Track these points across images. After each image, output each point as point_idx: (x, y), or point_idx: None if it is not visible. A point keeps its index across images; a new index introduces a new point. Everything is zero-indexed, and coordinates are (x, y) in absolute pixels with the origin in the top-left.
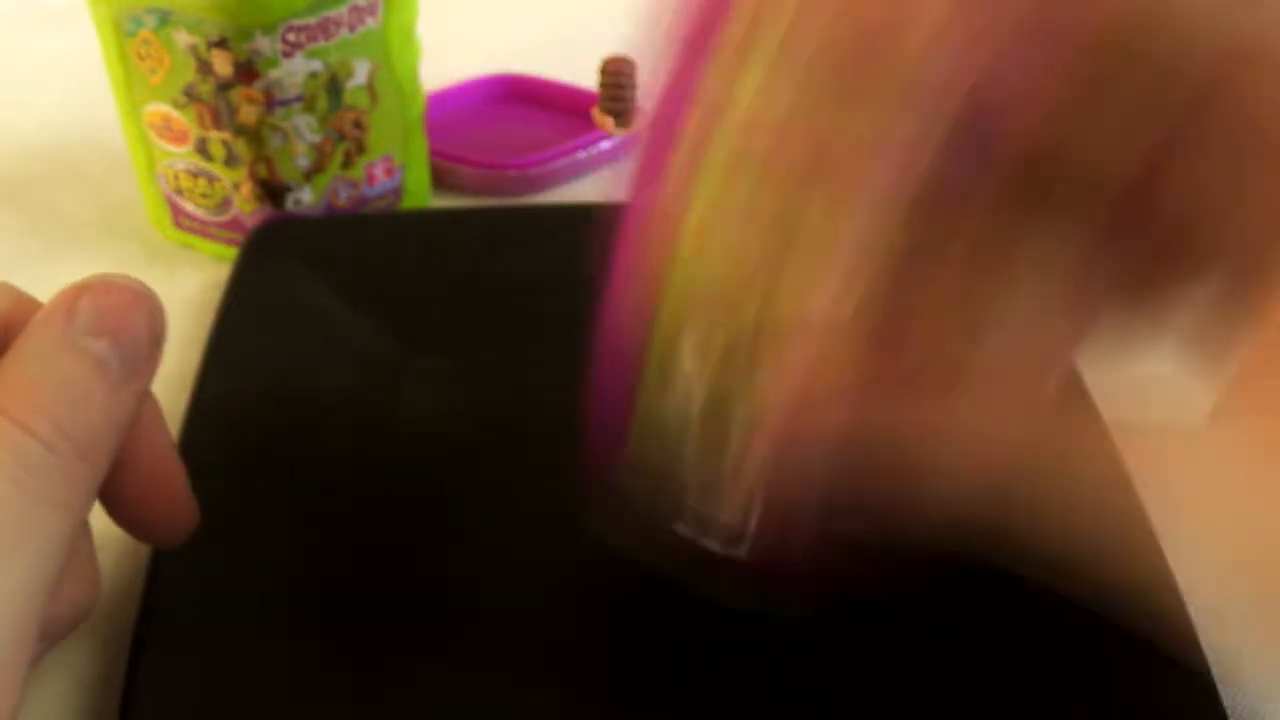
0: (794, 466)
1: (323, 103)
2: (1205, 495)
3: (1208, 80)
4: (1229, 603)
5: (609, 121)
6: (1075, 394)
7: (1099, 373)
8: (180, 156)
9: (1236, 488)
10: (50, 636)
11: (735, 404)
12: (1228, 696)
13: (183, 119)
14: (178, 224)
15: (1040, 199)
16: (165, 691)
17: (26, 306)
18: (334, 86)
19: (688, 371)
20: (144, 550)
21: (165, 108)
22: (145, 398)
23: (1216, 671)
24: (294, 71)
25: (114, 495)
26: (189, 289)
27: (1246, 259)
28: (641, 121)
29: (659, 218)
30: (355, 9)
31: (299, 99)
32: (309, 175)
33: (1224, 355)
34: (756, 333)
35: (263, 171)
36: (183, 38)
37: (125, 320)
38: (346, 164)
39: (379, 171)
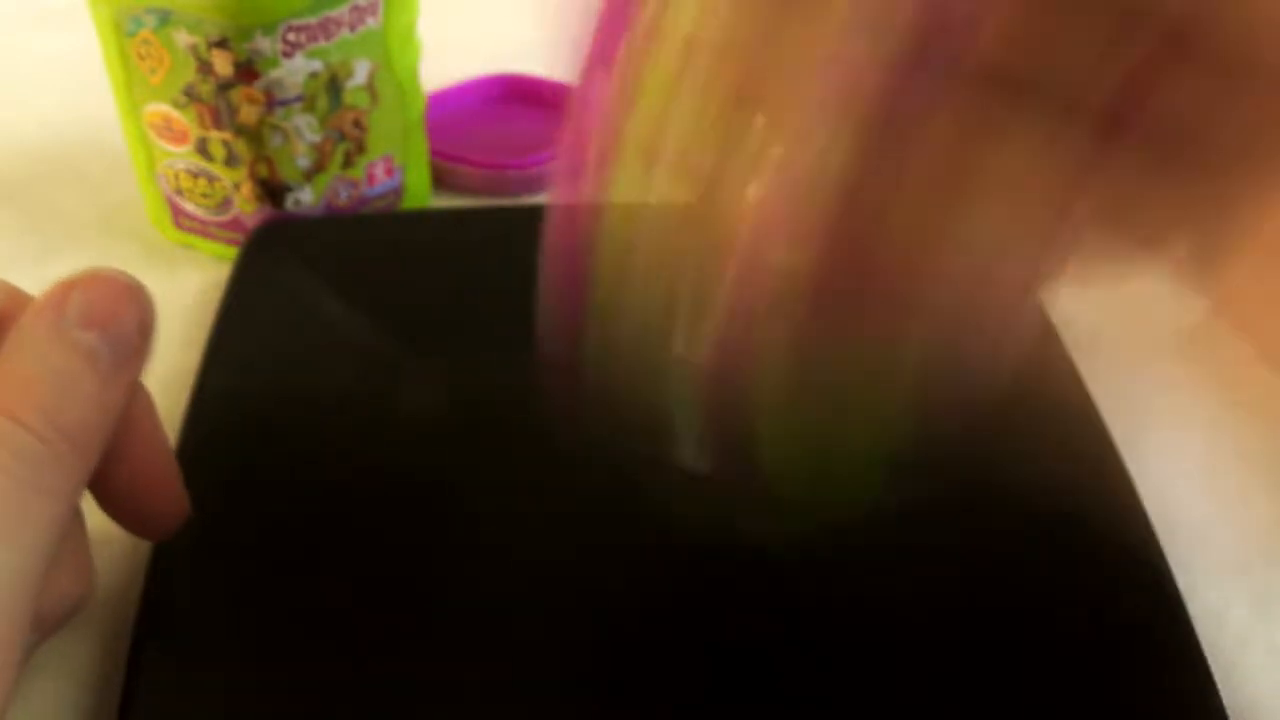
0: (740, 383)
1: (323, 103)
2: (1172, 411)
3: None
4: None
5: None
6: (1043, 321)
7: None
8: (180, 156)
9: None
10: (44, 628)
11: (684, 321)
12: (1228, 696)
13: (183, 119)
14: (178, 224)
15: (1008, 119)
16: (165, 690)
17: (19, 302)
18: (334, 86)
19: (637, 291)
20: (144, 549)
21: (165, 108)
22: (136, 390)
23: (1216, 672)
24: (294, 71)
25: (105, 487)
26: (189, 289)
27: (1237, 182)
28: (585, 45)
29: (602, 135)
30: (355, 9)
31: (299, 99)
32: (309, 175)
33: (1213, 276)
34: (705, 248)
35: (263, 171)
36: (183, 38)
37: (115, 313)
38: (347, 164)
39: (379, 171)
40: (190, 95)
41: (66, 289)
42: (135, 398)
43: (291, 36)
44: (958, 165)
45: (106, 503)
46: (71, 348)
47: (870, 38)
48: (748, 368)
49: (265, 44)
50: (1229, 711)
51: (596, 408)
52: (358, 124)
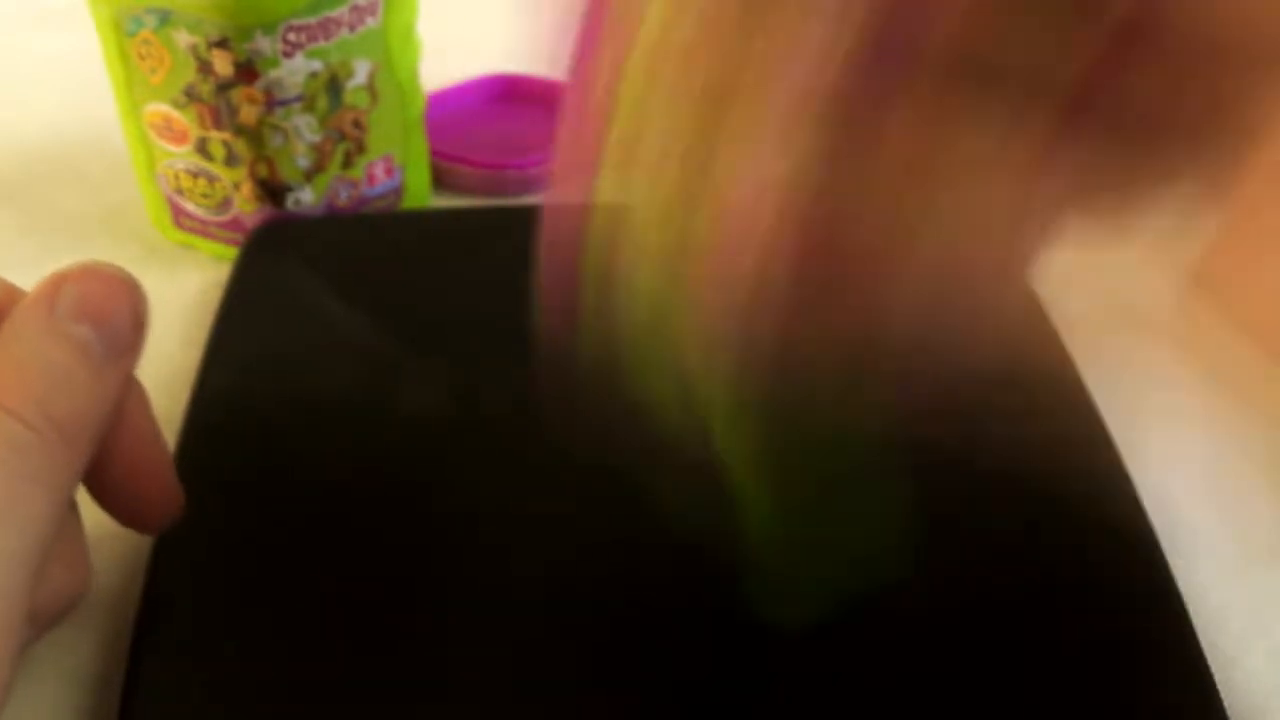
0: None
1: (323, 103)
2: (1171, 410)
3: None
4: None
5: None
6: (1029, 300)
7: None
8: (180, 156)
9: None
10: (39, 623)
11: (669, 320)
12: (1228, 696)
13: (183, 119)
14: (178, 224)
15: (972, 104)
16: (165, 690)
17: (12, 295)
18: (334, 86)
19: (624, 291)
20: (144, 549)
21: (165, 108)
22: (130, 383)
23: (1216, 672)
24: (294, 71)
25: (100, 480)
26: (189, 289)
27: (1215, 160)
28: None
29: (585, 143)
30: (355, 9)
31: (299, 99)
32: (309, 175)
33: (1192, 249)
34: (683, 249)
35: (263, 171)
36: (183, 38)
37: (107, 305)
38: (346, 164)
39: (379, 171)
40: (190, 95)
41: (59, 282)
42: (129, 391)
43: (291, 36)
44: (925, 151)
45: (101, 496)
46: (64, 340)
47: (829, 29)
48: (732, 366)
49: (265, 44)
50: (1229, 711)
51: (593, 406)
52: (358, 124)
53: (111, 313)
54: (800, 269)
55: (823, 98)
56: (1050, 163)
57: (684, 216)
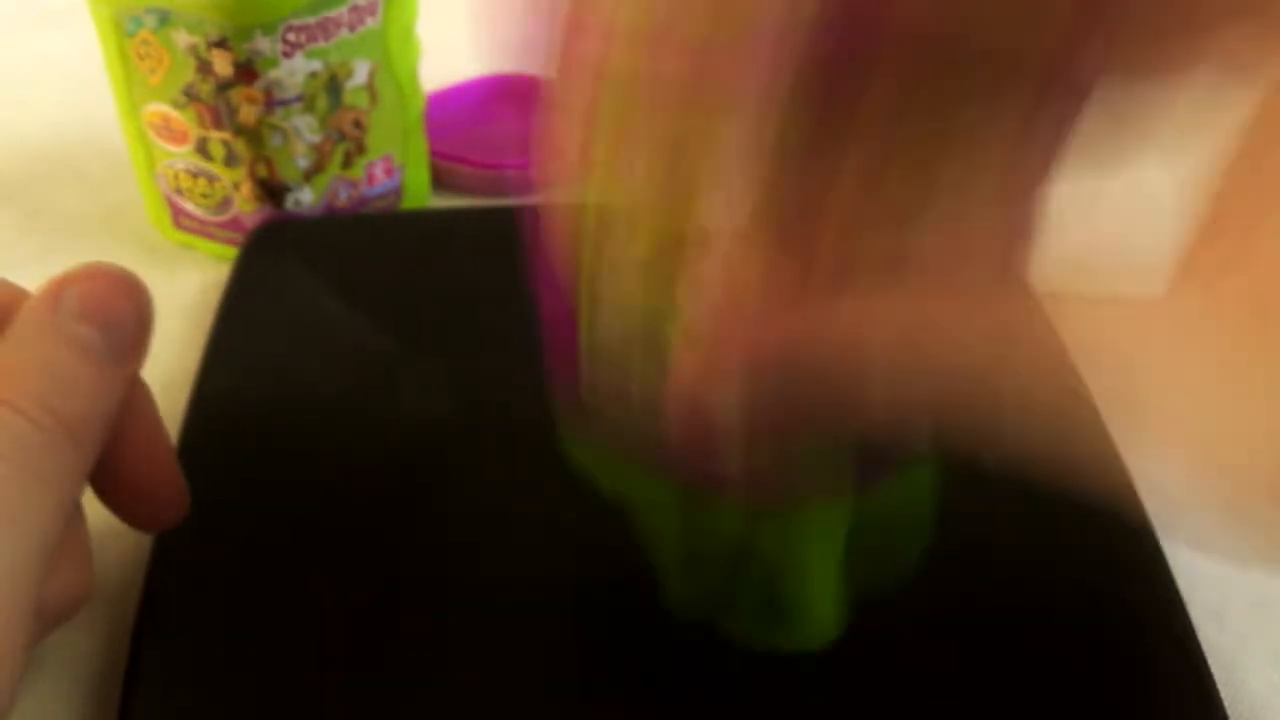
0: (722, 383)
1: (323, 103)
2: (1159, 375)
3: None
4: (1183, 488)
5: None
6: (1016, 281)
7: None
8: (180, 156)
9: (1197, 364)
10: (46, 621)
11: (661, 321)
12: (1228, 696)
13: (183, 119)
14: (178, 224)
15: (944, 83)
16: (165, 690)
17: (16, 297)
18: (334, 86)
19: (613, 293)
20: (144, 549)
21: (165, 108)
22: (135, 383)
23: (1217, 672)
24: (294, 71)
25: (106, 479)
26: (189, 289)
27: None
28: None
29: (568, 147)
30: (355, 9)
31: (299, 99)
32: (309, 175)
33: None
34: (668, 249)
35: (263, 171)
36: (183, 38)
37: (111, 306)
38: (346, 164)
39: (379, 171)
40: (190, 95)
41: (63, 283)
42: (134, 391)
43: (291, 36)
44: (901, 132)
45: (107, 495)
46: (68, 341)
47: (787, 9)
48: (716, 384)
49: (265, 44)
50: (1229, 711)
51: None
52: (357, 124)
53: (115, 313)
54: (787, 274)
55: (786, 82)
56: (1031, 130)
57: (666, 218)
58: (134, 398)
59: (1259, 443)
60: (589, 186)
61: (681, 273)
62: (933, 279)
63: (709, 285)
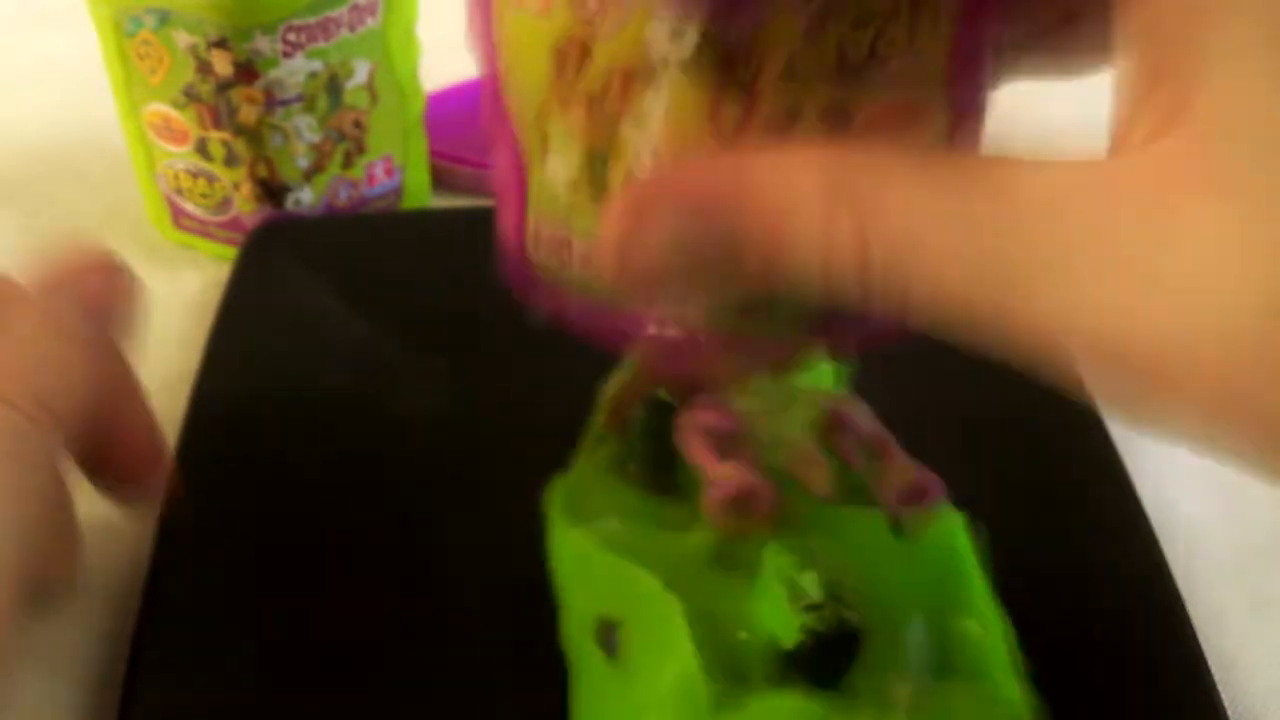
0: (656, 221)
1: (323, 103)
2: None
3: None
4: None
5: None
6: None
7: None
8: (180, 156)
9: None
10: (35, 601)
11: (604, 165)
12: (1228, 696)
13: (183, 119)
14: (178, 224)
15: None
16: (165, 689)
17: (4, 286)
18: (334, 86)
19: (561, 135)
20: (144, 545)
21: (165, 108)
22: (121, 365)
23: (1217, 672)
24: (294, 71)
25: (93, 459)
26: (189, 289)
27: None
28: None
29: (507, 117)
30: (355, 9)
31: (299, 99)
32: (309, 175)
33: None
34: (615, 84)
35: (263, 171)
36: (183, 38)
37: (97, 289)
38: (346, 164)
39: (379, 171)
40: (190, 95)
41: (50, 267)
42: (118, 371)
43: (291, 36)
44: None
45: (96, 476)
46: (54, 324)
47: None
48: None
49: (265, 44)
50: (1229, 711)
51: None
52: (357, 124)
53: (101, 296)
54: (730, 114)
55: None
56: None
57: (608, 48)
58: (117, 377)
59: (1210, 298)
60: (544, 17)
61: (627, 109)
62: (875, 138)
63: (651, 119)
